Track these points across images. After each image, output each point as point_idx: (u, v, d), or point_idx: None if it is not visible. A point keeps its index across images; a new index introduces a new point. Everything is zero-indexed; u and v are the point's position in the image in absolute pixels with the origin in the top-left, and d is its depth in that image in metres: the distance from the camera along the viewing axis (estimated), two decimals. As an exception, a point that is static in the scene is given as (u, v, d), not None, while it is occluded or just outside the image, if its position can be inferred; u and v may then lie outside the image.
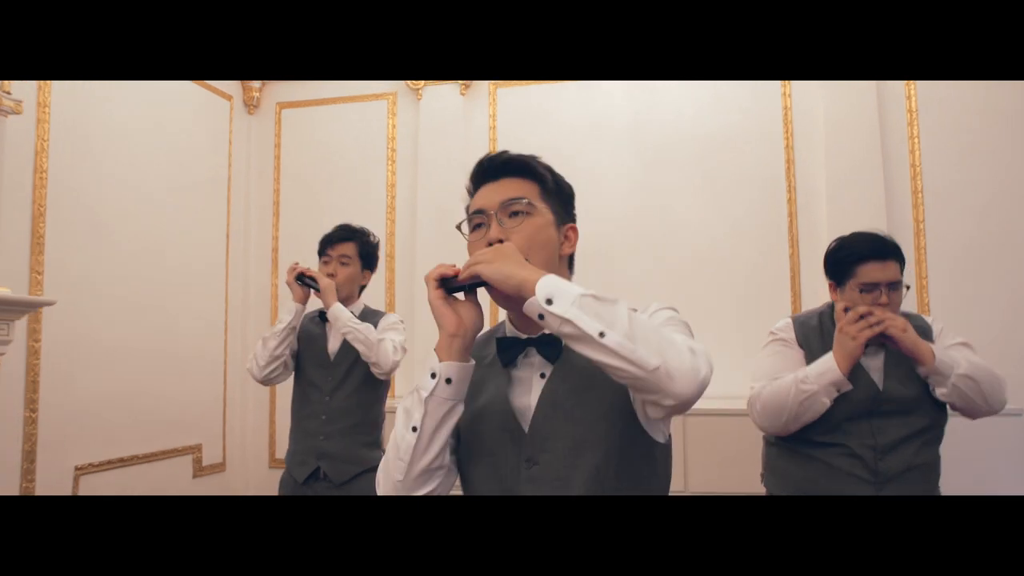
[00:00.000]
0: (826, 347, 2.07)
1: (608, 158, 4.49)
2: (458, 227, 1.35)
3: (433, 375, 1.17)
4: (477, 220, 1.29)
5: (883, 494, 1.95)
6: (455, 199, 4.51)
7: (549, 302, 1.05)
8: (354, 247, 2.74)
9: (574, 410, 1.21)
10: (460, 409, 1.21)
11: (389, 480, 1.20)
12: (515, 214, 1.26)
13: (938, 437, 2.07)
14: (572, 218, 1.38)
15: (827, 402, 1.99)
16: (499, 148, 4.35)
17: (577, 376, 1.22)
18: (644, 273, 4.39)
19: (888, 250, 2.04)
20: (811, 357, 2.09)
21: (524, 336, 1.28)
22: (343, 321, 2.57)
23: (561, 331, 1.05)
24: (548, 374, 1.24)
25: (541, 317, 1.06)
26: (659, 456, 1.24)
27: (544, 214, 1.29)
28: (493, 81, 4.63)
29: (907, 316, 2.05)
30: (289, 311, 2.66)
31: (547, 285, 1.06)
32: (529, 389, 1.25)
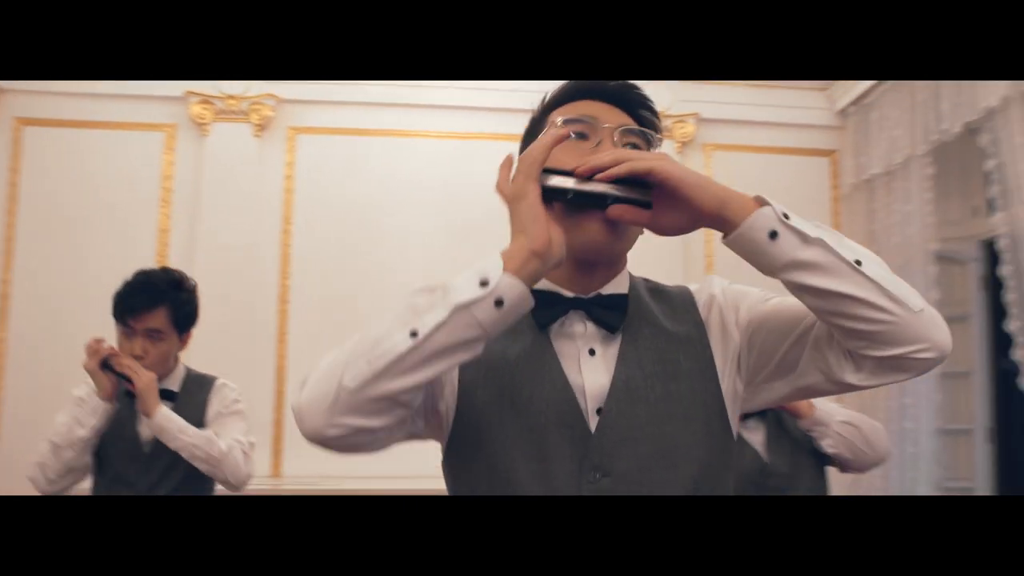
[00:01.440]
0: None
1: (418, 220, 4.19)
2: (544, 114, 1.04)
3: (484, 283, 0.82)
4: (580, 128, 0.97)
5: None
6: (242, 249, 3.98)
7: (786, 216, 0.83)
8: (165, 316, 2.09)
9: (660, 403, 0.92)
10: (473, 355, 0.85)
11: (330, 381, 0.83)
12: (634, 146, 0.99)
13: None
14: None
15: None
16: (296, 198, 3.95)
17: (653, 356, 0.93)
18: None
19: None
20: None
21: (570, 294, 0.96)
22: (172, 434, 1.99)
23: (798, 256, 0.82)
24: (605, 351, 0.94)
25: (774, 235, 0.82)
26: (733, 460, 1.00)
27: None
28: (292, 126, 4.17)
29: None
30: (93, 412, 2.00)
31: (770, 201, 0.85)
32: (578, 368, 0.94)
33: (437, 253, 4.19)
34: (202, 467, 2.02)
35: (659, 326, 0.98)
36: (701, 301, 1.02)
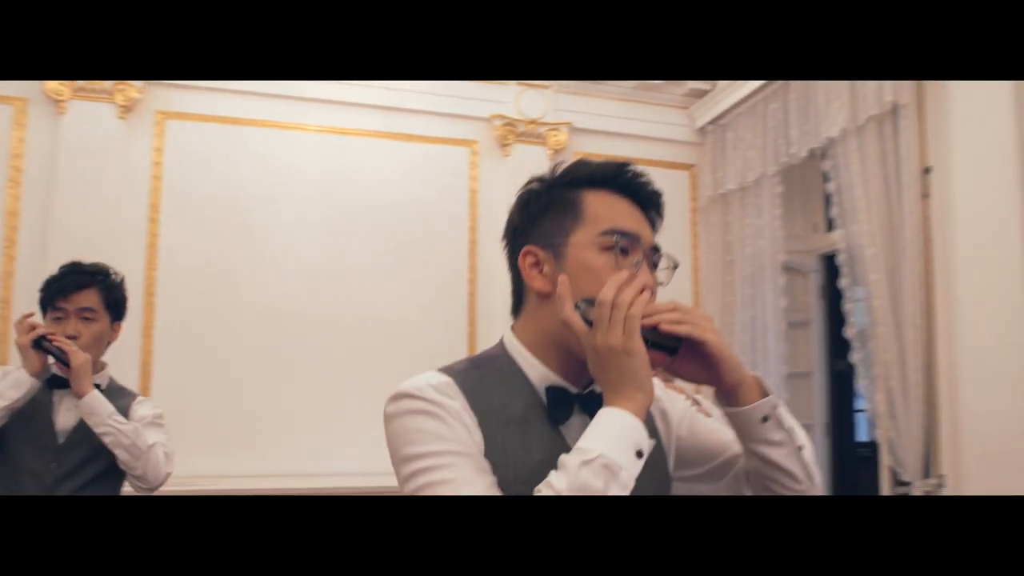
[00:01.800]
0: None
1: (294, 214, 4.12)
2: (547, 213, 1.07)
3: (640, 454, 0.90)
4: (627, 244, 1.01)
5: None
6: (104, 236, 3.76)
7: (776, 407, 1.00)
8: (98, 295, 2.09)
9: (642, 488, 0.96)
10: None
11: None
12: (655, 267, 1.06)
13: None
14: None
15: None
16: (165, 186, 3.79)
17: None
18: (325, 340, 4.07)
19: None
20: None
21: (574, 389, 1.02)
22: (101, 417, 1.96)
23: (772, 437, 1.00)
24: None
25: (764, 419, 0.99)
26: None
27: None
28: (161, 110, 4.00)
29: None
30: (16, 384, 1.93)
31: (767, 385, 1.01)
32: None
33: (314, 248, 4.14)
34: (123, 456, 1.97)
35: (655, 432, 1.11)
36: (655, 406, 1.14)
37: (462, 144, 4.48)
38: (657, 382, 1.07)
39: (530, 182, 1.11)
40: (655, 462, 1.05)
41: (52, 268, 3.72)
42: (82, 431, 2.02)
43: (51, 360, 1.99)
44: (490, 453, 0.95)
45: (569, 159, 4.04)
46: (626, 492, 0.87)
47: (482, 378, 1.03)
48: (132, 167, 3.94)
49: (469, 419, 0.97)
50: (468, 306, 4.33)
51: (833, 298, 4.35)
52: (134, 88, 3.92)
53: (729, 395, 0.99)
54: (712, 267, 4.70)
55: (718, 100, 4.63)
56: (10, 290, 3.75)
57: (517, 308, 1.11)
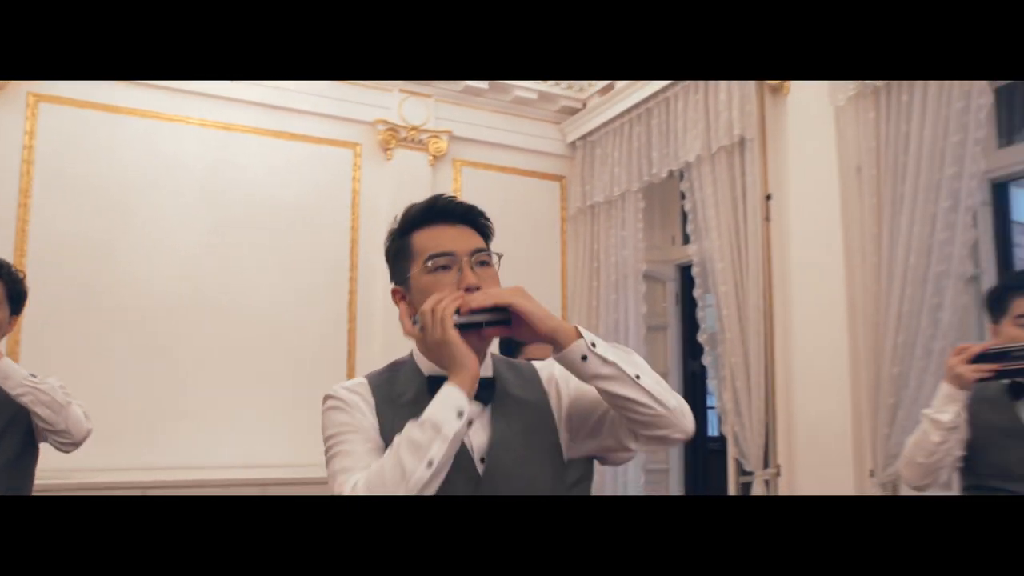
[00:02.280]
0: None
1: (173, 206, 4.10)
2: (407, 255, 1.31)
3: (460, 413, 1.15)
4: (444, 262, 1.27)
5: None
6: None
7: (594, 345, 1.18)
8: (1, 285, 2.15)
9: (524, 451, 1.27)
10: None
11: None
12: (483, 264, 1.30)
13: None
14: None
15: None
16: (36, 174, 3.70)
17: (514, 419, 1.28)
18: (204, 331, 4.08)
19: None
20: None
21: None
22: (17, 380, 2.04)
23: (600, 371, 1.18)
24: (481, 417, 1.27)
25: (584, 358, 1.18)
26: None
27: (494, 269, 1.33)
28: (34, 92, 3.88)
29: None
30: None
31: (586, 331, 1.20)
32: (468, 433, 1.25)
33: (193, 241, 4.14)
34: (44, 413, 2.04)
35: (516, 396, 1.32)
36: (544, 377, 1.38)
37: (346, 146, 4.59)
38: (550, 362, 1.33)
39: (388, 236, 1.39)
40: (544, 426, 1.32)
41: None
42: None
43: None
44: (387, 429, 1.24)
45: (447, 167, 4.25)
46: (450, 441, 1.14)
47: (391, 377, 1.34)
48: (1, 150, 3.81)
49: (367, 408, 1.28)
50: (348, 303, 4.46)
51: (689, 305, 4.77)
52: (6, 70, 3.78)
53: (553, 344, 1.22)
54: (579, 273, 5.04)
55: (588, 118, 4.98)
56: None
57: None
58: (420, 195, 4.04)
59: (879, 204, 3.20)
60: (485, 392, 1.26)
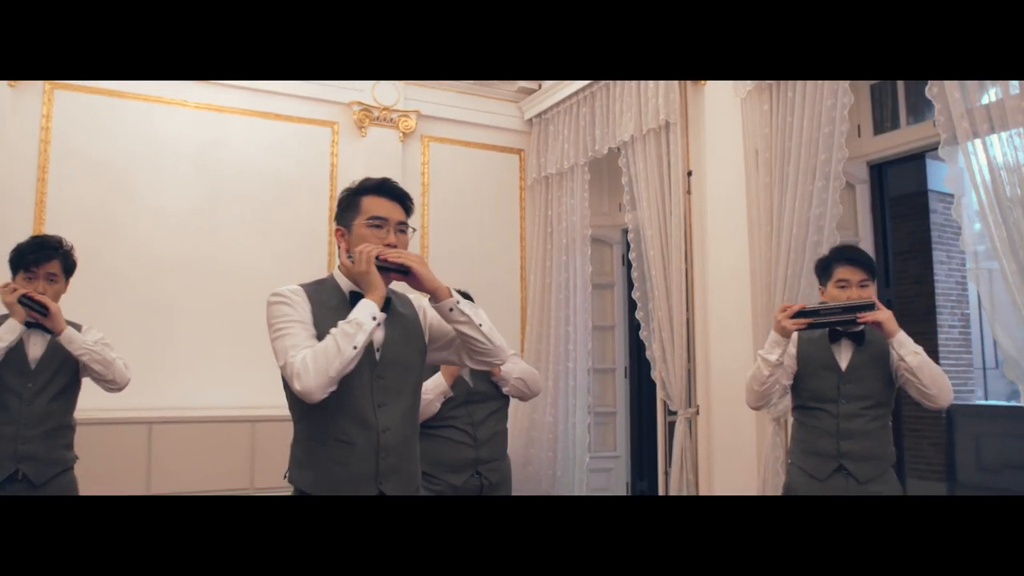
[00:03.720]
0: None
1: (166, 180, 4.67)
2: (354, 209, 1.88)
3: (374, 318, 1.75)
4: (377, 222, 1.85)
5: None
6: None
7: (458, 302, 1.83)
8: (59, 264, 2.73)
9: (404, 346, 1.87)
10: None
11: (323, 375, 1.68)
12: (401, 231, 1.89)
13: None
14: None
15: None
16: (52, 153, 4.27)
17: (400, 325, 1.88)
18: (191, 296, 4.67)
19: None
20: None
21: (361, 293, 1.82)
22: (78, 344, 2.66)
23: (457, 318, 1.83)
24: (383, 323, 1.83)
25: (450, 310, 1.82)
26: None
27: (407, 238, 1.94)
28: (50, 80, 4.41)
29: None
30: (10, 331, 2.56)
31: (454, 292, 1.85)
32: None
33: (187, 209, 4.72)
34: (98, 368, 2.68)
35: (400, 312, 1.93)
36: (415, 302, 2.01)
37: (324, 124, 5.15)
38: (420, 296, 1.93)
39: (344, 191, 1.95)
40: (416, 333, 1.94)
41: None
42: (47, 358, 2.68)
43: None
44: (317, 323, 1.80)
45: (416, 142, 4.87)
46: (368, 333, 1.72)
47: (318, 288, 1.88)
48: (22, 131, 4.37)
49: (305, 306, 1.82)
50: (326, 266, 5.04)
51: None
52: (22, 61, 4.31)
53: (433, 296, 1.84)
54: (535, 237, 5.63)
55: (543, 98, 5.53)
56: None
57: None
58: (391, 169, 4.69)
59: (771, 182, 3.79)
60: (383, 307, 1.84)
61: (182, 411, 4.38)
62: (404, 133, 5.31)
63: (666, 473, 4.47)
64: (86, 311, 4.36)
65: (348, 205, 1.91)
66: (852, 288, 2.53)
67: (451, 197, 5.51)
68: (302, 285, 1.87)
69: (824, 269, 2.66)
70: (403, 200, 1.92)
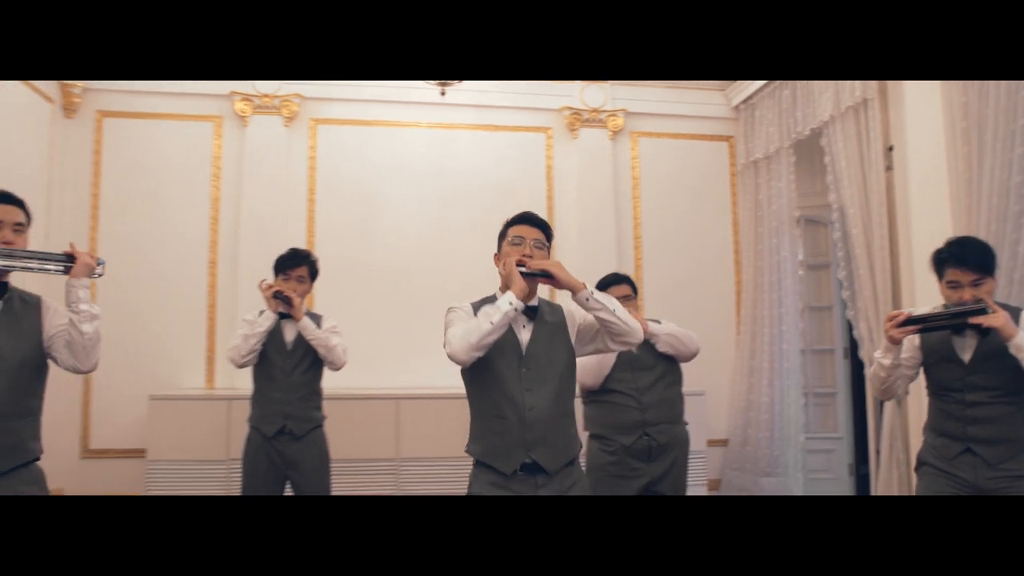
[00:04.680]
0: None
1: (408, 194, 5.47)
2: (504, 236, 2.35)
3: (510, 303, 2.16)
4: (517, 240, 2.31)
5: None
6: (275, 215, 5.24)
7: (592, 293, 2.21)
8: (307, 269, 3.50)
9: (548, 344, 2.29)
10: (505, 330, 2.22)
11: (465, 342, 2.14)
12: (538, 247, 2.32)
13: None
14: None
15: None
16: (319, 177, 5.22)
17: (546, 328, 2.30)
18: (430, 292, 5.37)
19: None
20: None
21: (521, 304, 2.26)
22: (310, 331, 3.40)
23: (593, 306, 2.20)
24: (528, 327, 2.29)
25: (587, 299, 2.19)
26: None
27: (547, 252, 2.35)
28: (314, 117, 5.39)
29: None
30: (268, 318, 3.38)
31: (589, 286, 2.25)
32: (520, 330, 2.29)
33: (425, 221, 5.50)
34: (321, 351, 3.41)
35: (547, 319, 2.32)
36: (565, 310, 2.38)
37: (539, 131, 5.69)
38: (576, 306, 2.29)
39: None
40: (562, 334, 2.33)
41: (243, 238, 5.20)
42: (299, 341, 3.45)
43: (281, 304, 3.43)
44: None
45: (626, 139, 5.30)
46: (503, 312, 2.14)
47: (483, 302, 2.32)
48: (294, 162, 5.38)
49: (468, 317, 2.27)
50: (546, 258, 5.57)
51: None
52: (294, 104, 5.32)
53: (572, 294, 2.22)
54: (747, 222, 5.74)
55: (748, 84, 5.61)
56: (216, 254, 5.28)
57: None
58: (603, 167, 5.28)
59: (969, 151, 3.67)
60: (531, 312, 2.28)
61: (425, 388, 5.12)
62: (613, 132, 5.69)
63: (877, 453, 4.43)
64: (350, 304, 5.31)
65: (501, 235, 2.38)
66: (964, 289, 2.46)
67: (662, 188, 5.79)
68: (472, 303, 2.36)
69: (936, 267, 2.58)
70: (539, 225, 2.34)
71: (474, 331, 2.14)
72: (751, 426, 5.47)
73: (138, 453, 4.89)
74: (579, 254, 5.53)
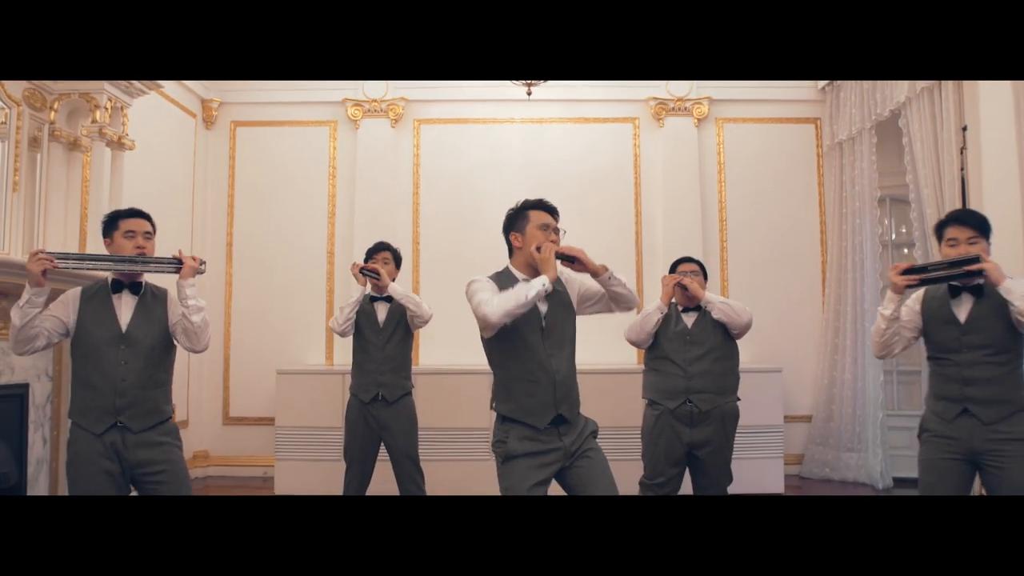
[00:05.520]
0: None
1: (504, 186, 5.90)
2: (524, 218, 2.65)
3: (544, 285, 2.49)
4: (545, 227, 2.62)
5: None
6: (387, 209, 5.81)
7: (612, 276, 2.61)
8: (391, 255, 4.05)
9: (561, 315, 2.64)
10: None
11: (501, 308, 2.43)
12: (555, 232, 2.66)
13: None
14: None
15: None
16: (422, 172, 5.78)
17: (559, 300, 2.63)
18: (529, 272, 5.82)
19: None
20: None
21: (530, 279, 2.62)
22: (400, 293, 3.89)
23: (614, 284, 2.60)
24: (547, 299, 2.58)
25: (609, 278, 2.58)
26: None
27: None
28: (417, 118, 5.92)
29: None
30: (357, 291, 3.93)
31: (610, 268, 2.60)
32: (541, 305, 2.59)
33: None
34: (414, 309, 3.86)
35: (558, 291, 2.60)
36: (565, 280, 2.67)
37: (626, 121, 6.00)
38: (572, 273, 2.66)
39: (511, 209, 2.72)
40: (568, 304, 2.67)
41: (358, 229, 5.81)
42: (389, 319, 3.92)
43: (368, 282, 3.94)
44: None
45: (711, 125, 5.61)
46: (536, 291, 2.45)
47: (499, 276, 2.64)
48: (400, 160, 5.93)
49: (492, 287, 2.55)
50: (635, 244, 5.89)
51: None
52: (399, 107, 5.87)
53: (595, 276, 2.59)
54: (833, 203, 5.85)
55: (832, 67, 5.70)
56: (334, 244, 5.91)
57: (510, 252, 2.72)
58: (688, 153, 5.69)
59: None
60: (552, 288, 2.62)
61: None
62: (698, 119, 5.93)
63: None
64: (452, 290, 5.76)
65: (519, 216, 2.67)
66: (961, 245, 2.67)
67: (747, 172, 5.99)
68: (491, 276, 2.65)
69: (937, 231, 2.82)
70: (555, 212, 2.69)
71: (511, 299, 2.44)
72: (834, 402, 5.63)
73: (268, 421, 5.61)
74: (664, 238, 5.82)
